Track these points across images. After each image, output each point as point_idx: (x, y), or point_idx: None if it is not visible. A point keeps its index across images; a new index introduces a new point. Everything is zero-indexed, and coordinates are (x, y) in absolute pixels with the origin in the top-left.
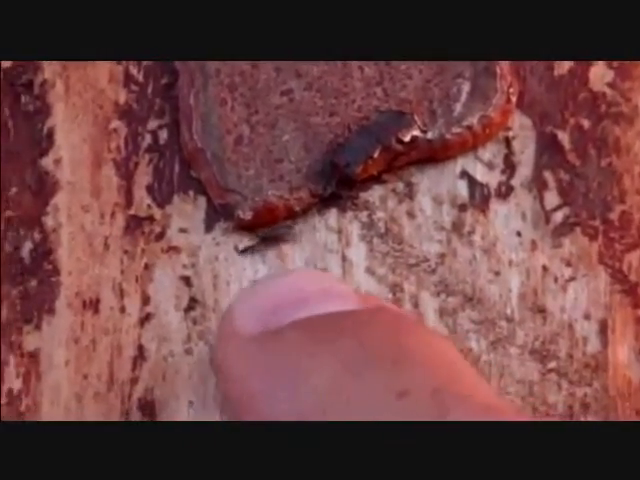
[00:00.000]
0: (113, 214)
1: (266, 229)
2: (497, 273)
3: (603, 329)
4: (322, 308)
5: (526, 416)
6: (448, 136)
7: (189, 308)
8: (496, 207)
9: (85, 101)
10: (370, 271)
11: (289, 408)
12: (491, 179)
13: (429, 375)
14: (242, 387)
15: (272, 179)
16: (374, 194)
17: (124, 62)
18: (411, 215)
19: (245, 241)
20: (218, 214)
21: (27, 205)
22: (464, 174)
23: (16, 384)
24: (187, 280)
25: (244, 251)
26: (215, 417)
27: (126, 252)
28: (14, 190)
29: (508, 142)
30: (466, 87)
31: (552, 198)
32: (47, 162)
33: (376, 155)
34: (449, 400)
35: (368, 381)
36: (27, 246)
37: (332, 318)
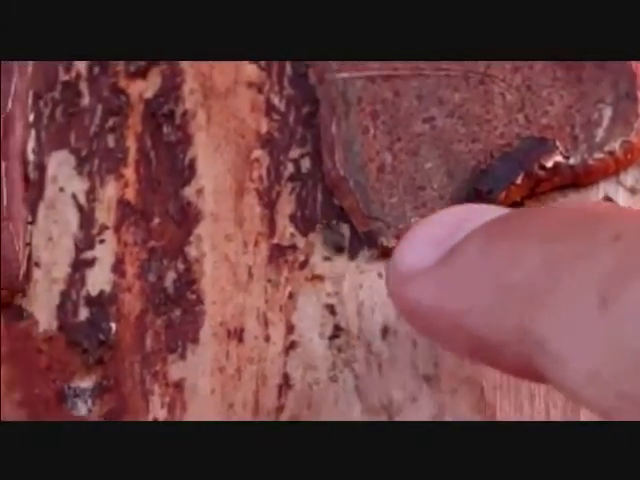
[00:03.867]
0: (256, 243)
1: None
2: None
3: None
4: (485, 219)
5: None
6: (590, 162)
7: (334, 336)
8: None
9: (227, 131)
10: None
11: (509, 309)
12: (634, 204)
13: (632, 220)
14: (445, 315)
15: (415, 206)
16: None
17: (266, 92)
18: None
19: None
20: (362, 242)
21: (170, 235)
22: (607, 199)
23: (161, 414)
24: (331, 308)
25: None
26: None
27: (270, 281)
28: (157, 220)
29: None
30: (608, 112)
31: None
32: (190, 192)
33: (519, 181)
34: None
35: (576, 243)
36: (171, 276)
37: (504, 219)
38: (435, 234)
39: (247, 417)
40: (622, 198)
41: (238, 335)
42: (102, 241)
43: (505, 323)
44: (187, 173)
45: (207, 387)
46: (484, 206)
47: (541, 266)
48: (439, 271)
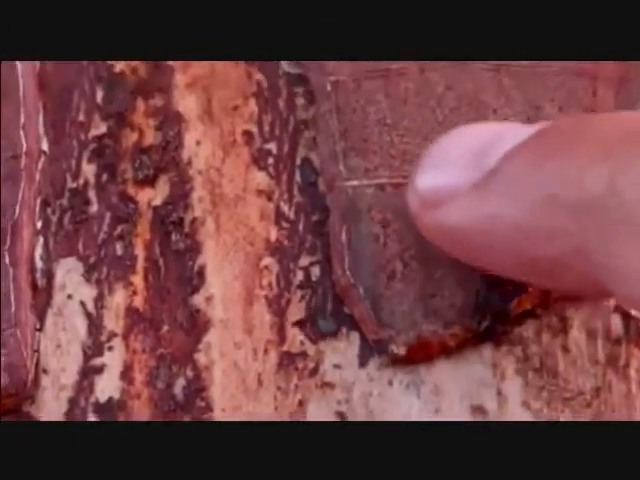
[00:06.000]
0: (266, 351)
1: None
2: None
3: None
4: (522, 136)
5: None
6: None
7: None
8: None
9: (236, 238)
10: (526, 405)
11: (571, 230)
12: None
13: None
14: (493, 239)
15: (426, 314)
16: (528, 328)
17: (275, 200)
18: (566, 349)
19: (399, 375)
20: (372, 350)
21: (179, 343)
22: (618, 307)
23: None
24: (341, 415)
25: None
26: None
27: (279, 388)
28: (166, 328)
29: None
30: None
31: None
32: (199, 300)
33: (530, 290)
34: None
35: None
36: (180, 383)
37: (554, 133)
38: (462, 154)
39: None
40: None
41: None
42: (110, 348)
43: (566, 244)
44: (196, 281)
45: None
46: (515, 125)
47: (605, 184)
48: (482, 192)
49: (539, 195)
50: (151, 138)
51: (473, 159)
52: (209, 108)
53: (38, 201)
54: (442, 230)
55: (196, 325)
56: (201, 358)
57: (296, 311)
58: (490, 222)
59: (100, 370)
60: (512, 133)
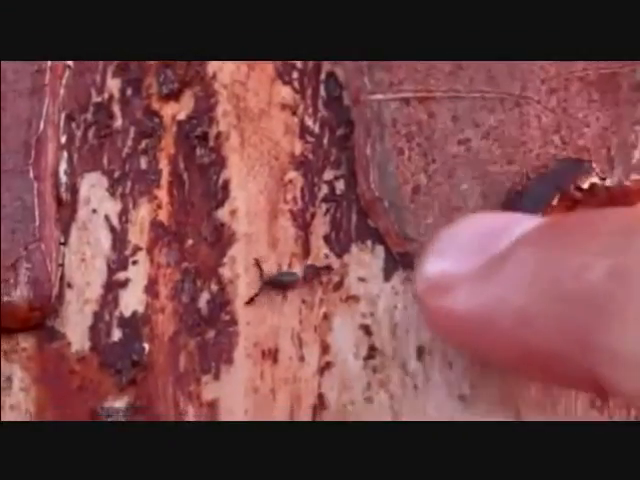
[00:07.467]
0: (290, 264)
1: (271, 275)
2: None
3: None
4: (528, 227)
5: None
6: (627, 183)
7: (369, 356)
8: None
9: (260, 153)
10: None
11: (574, 320)
12: None
13: None
14: (496, 326)
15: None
16: None
17: (300, 114)
18: None
19: None
20: (397, 263)
21: (204, 256)
22: None
23: None
24: (366, 329)
25: (250, 302)
26: None
27: (304, 302)
28: (190, 242)
29: None
30: None
31: None
32: (223, 214)
33: (555, 203)
34: None
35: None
36: (204, 297)
37: (559, 226)
38: (470, 241)
39: None
40: None
41: (272, 356)
42: (135, 262)
43: (569, 334)
44: (220, 195)
45: (241, 408)
46: (522, 216)
47: (609, 277)
48: (488, 278)
49: (544, 283)
50: None
51: (480, 246)
52: None
53: (62, 116)
54: (448, 315)
55: (220, 239)
56: (226, 272)
57: (321, 225)
58: (495, 307)
59: (124, 284)
60: (519, 224)
